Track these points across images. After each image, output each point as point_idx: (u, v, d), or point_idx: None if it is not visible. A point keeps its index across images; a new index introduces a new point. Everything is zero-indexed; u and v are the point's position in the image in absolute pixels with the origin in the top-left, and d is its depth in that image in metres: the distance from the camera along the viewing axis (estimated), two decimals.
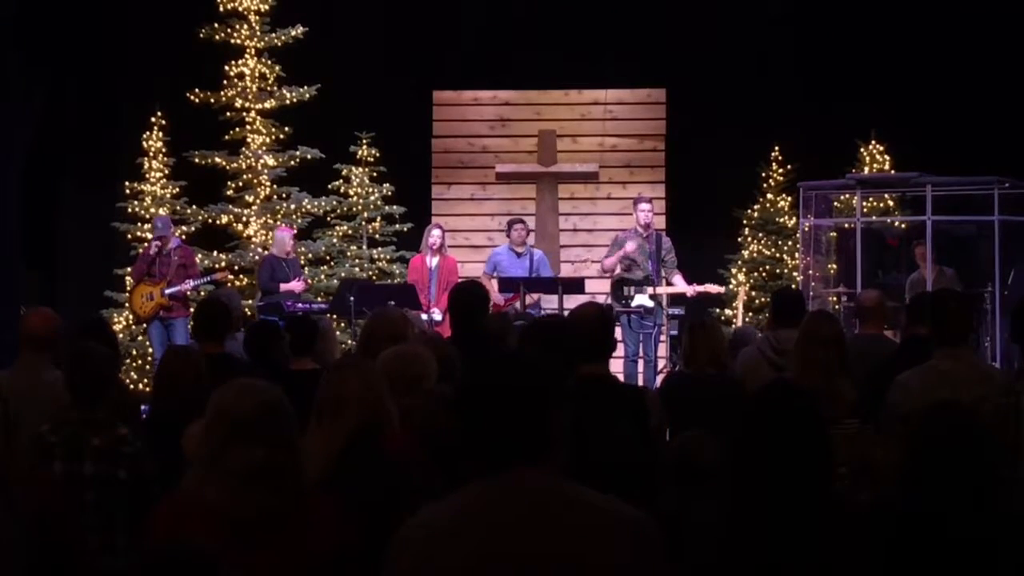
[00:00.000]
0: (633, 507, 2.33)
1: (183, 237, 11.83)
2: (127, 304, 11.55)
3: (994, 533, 3.23)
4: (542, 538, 2.22)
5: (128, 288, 12.23)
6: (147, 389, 9.84)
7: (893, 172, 12.27)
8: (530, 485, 2.27)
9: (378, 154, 12.79)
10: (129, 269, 12.38)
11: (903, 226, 12.12)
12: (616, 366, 10.47)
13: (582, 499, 2.29)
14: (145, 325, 11.22)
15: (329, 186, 12.72)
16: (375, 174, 12.78)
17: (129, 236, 11.37)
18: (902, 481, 3.36)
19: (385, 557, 2.31)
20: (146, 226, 12.04)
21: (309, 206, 12.51)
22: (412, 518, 2.32)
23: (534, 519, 2.24)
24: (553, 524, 2.24)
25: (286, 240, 11.16)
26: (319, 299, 11.54)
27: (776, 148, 13.02)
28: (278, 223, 12.22)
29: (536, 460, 2.30)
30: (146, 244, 11.33)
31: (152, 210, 12.38)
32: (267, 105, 12.52)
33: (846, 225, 11.96)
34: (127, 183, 12.29)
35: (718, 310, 12.43)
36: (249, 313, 10.61)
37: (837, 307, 11.17)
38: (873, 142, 12.67)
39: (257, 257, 12.14)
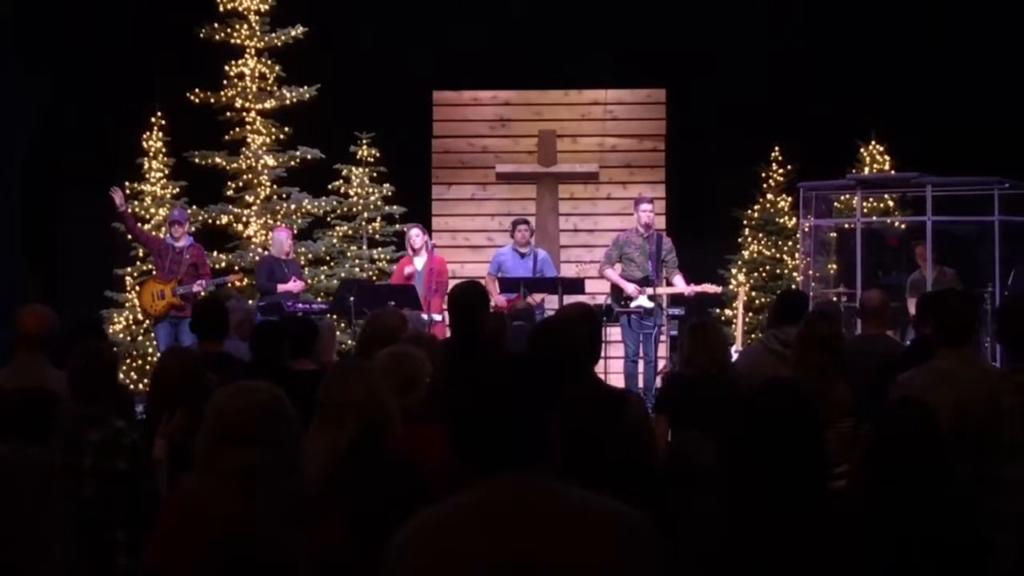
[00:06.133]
0: (628, 505, 2.33)
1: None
2: (135, 301, 11.53)
3: (946, 532, 3.27)
4: (538, 542, 2.22)
5: (130, 287, 12.26)
6: (147, 389, 9.85)
7: (893, 172, 12.27)
8: (525, 489, 2.27)
9: (378, 154, 12.80)
10: (129, 269, 12.40)
11: (903, 226, 12.12)
12: (616, 366, 10.49)
13: (577, 501, 2.29)
14: (150, 323, 11.25)
15: (329, 186, 12.72)
16: (375, 174, 12.78)
17: (129, 236, 11.35)
18: (861, 480, 3.41)
19: (382, 562, 2.31)
20: (146, 227, 12.03)
21: (309, 206, 12.50)
22: (407, 523, 2.31)
23: (530, 523, 2.23)
24: (549, 528, 2.23)
25: (284, 241, 11.14)
26: (319, 299, 11.54)
27: (776, 148, 13.02)
28: (278, 223, 12.21)
29: (530, 463, 2.29)
30: (162, 234, 11.39)
31: (152, 210, 12.39)
32: (267, 105, 12.52)
33: (846, 225, 11.96)
34: (127, 183, 12.27)
35: (718, 310, 12.43)
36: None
37: None
38: (873, 142, 12.68)
39: (257, 257, 12.14)
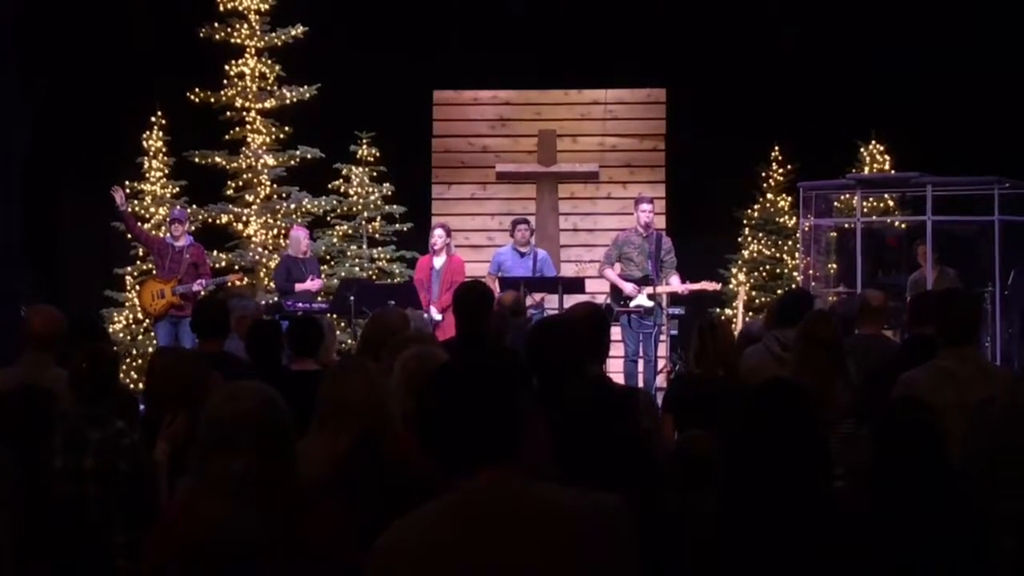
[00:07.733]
0: (603, 493, 2.33)
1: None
2: (135, 300, 11.54)
3: (948, 533, 3.27)
4: (515, 544, 2.22)
5: (130, 287, 12.26)
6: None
7: (893, 172, 12.27)
8: (499, 489, 2.26)
9: (378, 154, 12.80)
10: (129, 268, 12.40)
11: (903, 226, 12.12)
12: (616, 366, 10.48)
13: (552, 498, 2.29)
14: (150, 322, 11.24)
15: (329, 186, 12.72)
16: (375, 174, 12.78)
17: (129, 236, 11.35)
18: (862, 480, 3.41)
19: (365, 569, 2.30)
20: (146, 226, 12.03)
21: (309, 206, 12.51)
22: (388, 531, 2.31)
23: (506, 525, 2.24)
24: (525, 528, 2.24)
25: (301, 239, 11.16)
26: (319, 299, 11.54)
27: (776, 148, 13.03)
28: (278, 223, 12.22)
29: (502, 460, 2.28)
30: (162, 233, 11.40)
31: (152, 210, 12.39)
32: (267, 105, 12.52)
33: (846, 225, 11.96)
34: (127, 183, 12.27)
35: (718, 309, 12.43)
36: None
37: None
38: (873, 142, 12.68)
39: (257, 257, 12.15)
